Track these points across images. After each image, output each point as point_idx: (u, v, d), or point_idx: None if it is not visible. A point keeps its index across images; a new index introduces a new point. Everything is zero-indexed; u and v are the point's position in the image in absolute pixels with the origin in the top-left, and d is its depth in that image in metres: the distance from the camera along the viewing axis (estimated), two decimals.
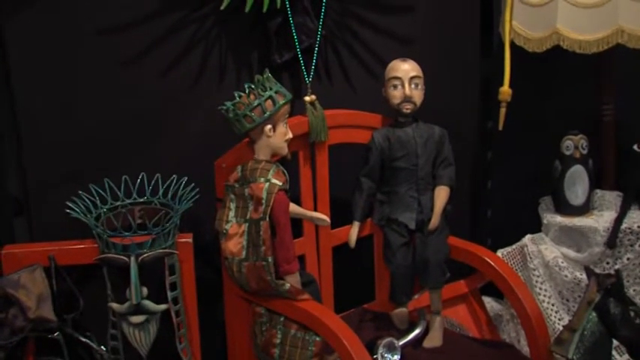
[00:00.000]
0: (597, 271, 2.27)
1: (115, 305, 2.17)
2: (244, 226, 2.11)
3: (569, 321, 2.15)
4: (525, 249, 2.61)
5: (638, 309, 2.12)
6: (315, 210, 2.36)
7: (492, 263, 2.34)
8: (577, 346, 2.09)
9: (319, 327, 2.07)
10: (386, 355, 2.22)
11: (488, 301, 2.78)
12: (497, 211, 2.98)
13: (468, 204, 2.87)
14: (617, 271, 2.13)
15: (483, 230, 2.96)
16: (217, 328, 2.36)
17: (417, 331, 2.36)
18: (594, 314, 2.10)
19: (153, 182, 2.28)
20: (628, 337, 2.10)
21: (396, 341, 2.27)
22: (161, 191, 2.27)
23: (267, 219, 2.06)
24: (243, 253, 2.10)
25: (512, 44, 2.54)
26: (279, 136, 2.13)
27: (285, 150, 2.16)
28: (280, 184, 2.09)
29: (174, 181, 2.27)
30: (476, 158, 2.90)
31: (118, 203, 2.24)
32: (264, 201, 2.06)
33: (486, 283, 2.60)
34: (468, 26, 2.81)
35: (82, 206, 2.18)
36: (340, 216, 2.40)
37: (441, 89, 2.51)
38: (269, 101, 2.08)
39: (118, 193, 2.25)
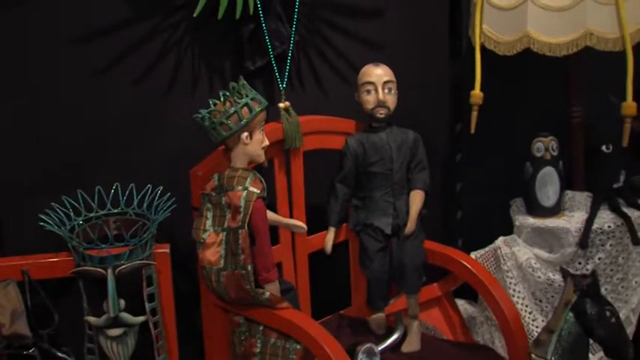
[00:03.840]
0: (572, 272, 2.31)
1: (91, 319, 2.15)
2: (222, 235, 2.10)
3: (547, 322, 2.18)
4: (498, 251, 2.64)
5: (613, 309, 2.15)
6: (291, 217, 2.37)
7: (469, 266, 2.38)
8: (555, 347, 2.11)
9: (300, 335, 2.07)
10: None
11: (462, 304, 2.81)
12: (468, 213, 3.01)
13: (439, 206, 2.89)
14: (593, 272, 2.16)
15: (453, 232, 2.99)
16: (195, 338, 2.35)
17: (395, 336, 2.38)
18: (571, 315, 2.12)
19: (127, 192, 2.25)
20: (604, 336, 2.12)
21: (375, 347, 2.28)
22: (136, 201, 2.24)
23: (246, 227, 2.06)
24: (222, 262, 2.09)
25: (483, 48, 2.55)
26: (255, 144, 2.12)
27: (262, 157, 2.15)
28: (258, 191, 2.09)
29: (149, 191, 2.25)
30: (446, 161, 2.93)
31: (92, 215, 2.21)
32: (242, 209, 2.06)
33: (459, 285, 2.65)
34: (437, 30, 2.85)
35: (56, 218, 2.15)
36: (316, 222, 2.40)
37: (412, 93, 2.53)
38: (245, 108, 2.07)
39: (92, 204, 2.22)
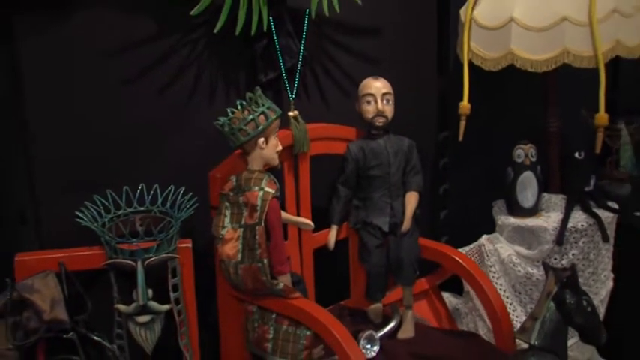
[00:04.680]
0: (553, 265, 2.43)
1: (122, 306, 2.25)
2: (239, 231, 2.20)
3: (532, 311, 2.27)
4: (483, 247, 2.74)
5: (589, 298, 2.25)
6: (298, 215, 2.46)
7: (460, 261, 2.50)
8: (538, 332, 2.20)
9: (311, 321, 2.17)
10: (367, 345, 2.34)
11: (447, 296, 2.90)
12: (454, 213, 3.09)
13: (426, 207, 2.93)
14: (572, 266, 2.27)
15: (438, 230, 3.08)
16: (212, 325, 2.43)
17: (392, 324, 2.48)
18: (552, 304, 2.21)
19: (152, 192, 2.35)
20: (581, 323, 2.21)
21: (375, 333, 2.39)
22: (160, 201, 2.34)
23: (262, 224, 2.15)
24: (239, 256, 2.19)
25: (470, 63, 2.64)
26: (271, 148, 2.22)
27: (276, 161, 2.25)
28: (273, 192, 2.19)
29: (172, 191, 2.35)
30: (434, 165, 3.02)
31: (121, 212, 2.31)
32: (258, 208, 2.16)
33: (445, 280, 2.76)
34: (426, 48, 2.94)
35: (89, 215, 2.25)
36: (319, 221, 2.48)
37: (403, 103, 2.59)
38: (262, 116, 2.18)
39: (120, 203, 2.32)
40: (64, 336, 2.13)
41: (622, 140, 2.95)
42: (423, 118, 2.91)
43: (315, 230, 2.48)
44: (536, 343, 2.20)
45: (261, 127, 2.17)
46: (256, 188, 2.17)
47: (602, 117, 2.50)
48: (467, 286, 2.78)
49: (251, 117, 2.16)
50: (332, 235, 2.53)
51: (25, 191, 2.28)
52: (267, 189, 2.18)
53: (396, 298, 2.56)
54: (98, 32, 2.28)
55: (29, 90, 2.24)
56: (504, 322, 2.39)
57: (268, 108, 2.19)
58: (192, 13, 2.24)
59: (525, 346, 2.23)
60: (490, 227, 2.82)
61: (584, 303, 2.23)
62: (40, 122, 2.26)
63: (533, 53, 2.52)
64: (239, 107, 2.19)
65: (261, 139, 2.18)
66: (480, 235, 2.78)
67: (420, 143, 2.59)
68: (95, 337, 2.19)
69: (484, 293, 2.41)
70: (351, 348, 2.06)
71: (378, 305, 2.51)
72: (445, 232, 3.06)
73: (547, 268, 2.29)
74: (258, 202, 2.16)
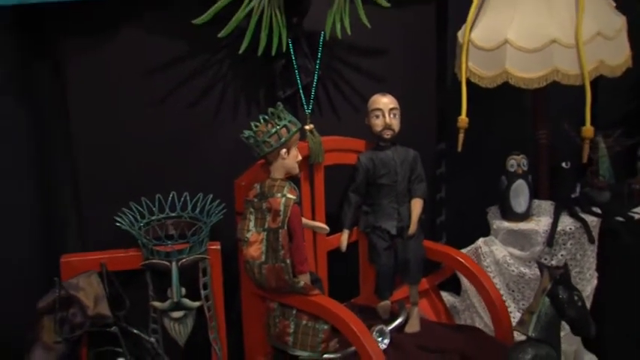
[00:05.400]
0: (547, 264, 2.54)
1: (157, 303, 2.34)
2: (263, 235, 2.29)
3: (529, 305, 2.36)
4: (479, 249, 2.83)
5: (580, 294, 2.34)
6: (313, 220, 2.55)
7: (462, 260, 2.60)
8: (535, 325, 2.28)
9: (330, 316, 2.26)
10: (379, 338, 2.43)
11: (445, 295, 2.97)
12: (451, 218, 3.16)
13: (427, 212, 2.96)
14: (565, 264, 2.37)
15: (436, 234, 3.16)
16: (236, 321, 2.52)
17: (400, 320, 2.56)
18: (547, 299, 2.29)
19: (182, 200, 2.45)
20: (573, 316, 2.29)
21: (385, 327, 2.48)
22: (189, 207, 2.44)
23: (285, 227, 2.25)
24: (263, 257, 2.28)
25: (467, 81, 2.73)
26: (292, 158, 2.32)
27: (296, 169, 2.35)
28: (294, 198, 2.29)
29: (200, 198, 2.45)
30: (432, 174, 3.09)
31: (154, 218, 2.41)
32: (281, 213, 2.25)
33: (443, 280, 2.85)
34: (426, 67, 3.02)
35: (127, 221, 2.34)
36: (332, 225, 2.57)
37: (406, 117, 2.67)
38: (284, 129, 2.28)
39: (154, 209, 2.42)
40: (107, 330, 2.22)
41: (600, 152, 3.04)
42: (422, 130, 2.99)
43: (328, 234, 2.57)
44: (533, 335, 2.27)
45: (283, 139, 2.27)
46: (279, 195, 2.27)
47: (588, 130, 2.62)
48: (464, 286, 2.87)
49: (274, 130, 2.26)
50: (344, 239, 2.62)
51: (71, 199, 2.38)
52: (289, 195, 2.28)
53: (402, 296, 2.65)
54: (135, 53, 2.38)
55: (74, 106, 2.35)
56: (503, 316, 2.49)
57: (289, 122, 2.30)
58: (220, 35, 2.35)
59: (523, 337, 2.31)
60: (484, 231, 2.89)
61: (576, 298, 2.31)
62: (83, 136, 2.36)
63: (526, 72, 2.60)
64: (262, 121, 2.29)
65: (284, 150, 2.29)
66: (476, 239, 2.86)
67: (420, 153, 2.67)
68: (135, 331, 2.28)
69: (484, 290, 2.51)
70: (367, 340, 2.16)
71: (387, 302, 2.60)
72: (443, 236, 3.14)
73: (542, 266, 2.37)
74: (281, 208, 2.25)
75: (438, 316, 2.81)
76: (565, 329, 2.41)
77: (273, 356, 2.43)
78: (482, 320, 2.81)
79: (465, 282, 2.86)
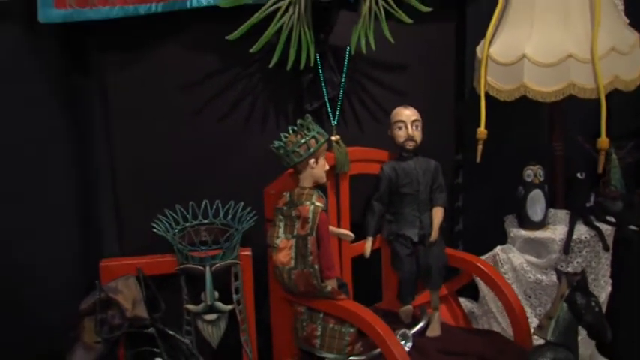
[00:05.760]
0: (565, 271, 2.57)
1: (191, 306, 2.39)
2: (292, 241, 2.33)
3: (547, 311, 2.40)
4: (497, 257, 2.86)
5: (597, 300, 2.36)
6: (339, 227, 2.59)
7: (482, 267, 2.63)
8: (553, 329, 2.31)
9: (356, 319, 2.30)
10: (402, 342, 2.45)
11: (463, 301, 2.99)
12: (470, 226, 3.19)
13: (446, 220, 2.98)
14: (582, 271, 2.39)
15: (454, 242, 3.19)
16: (264, 324, 2.56)
17: (422, 324, 2.60)
18: (565, 305, 2.32)
19: (214, 207, 2.50)
20: (590, 321, 2.33)
21: (408, 331, 2.52)
22: (221, 214, 2.49)
23: (314, 234, 2.29)
24: (292, 262, 2.32)
25: (486, 95, 2.76)
26: (320, 168, 2.37)
27: (324, 179, 2.40)
28: (322, 206, 2.33)
29: (232, 206, 2.50)
30: (451, 184, 3.11)
31: (188, 225, 2.46)
32: (310, 220, 2.30)
33: (461, 286, 2.88)
34: (445, 81, 3.06)
35: (162, 227, 2.39)
36: (356, 232, 2.60)
37: (425, 129, 2.70)
38: (312, 140, 2.32)
39: (187, 216, 2.47)
40: (145, 331, 2.27)
41: (612, 164, 3.08)
42: (441, 142, 3.01)
43: (352, 241, 2.60)
44: (551, 339, 2.31)
45: (312, 149, 2.32)
46: (307, 203, 2.32)
47: (604, 141, 2.65)
48: (482, 292, 2.91)
49: (303, 141, 2.31)
50: (368, 246, 2.65)
51: (110, 206, 2.45)
52: (317, 203, 2.32)
53: (423, 301, 2.69)
54: (172, 67, 2.45)
55: (115, 117, 2.41)
56: (522, 320, 2.52)
57: (318, 133, 2.35)
58: (251, 50, 2.40)
59: (542, 341, 2.34)
60: (500, 239, 2.93)
61: (593, 303, 2.34)
62: (122, 147, 2.43)
63: (543, 86, 2.64)
64: (291, 132, 2.34)
65: (312, 160, 2.33)
66: (492, 246, 2.89)
67: (439, 163, 2.72)
68: (171, 332, 2.32)
69: (504, 295, 2.54)
70: (392, 342, 2.20)
71: (409, 307, 2.63)
72: (459, 244, 3.17)
73: (560, 273, 2.41)
74: (310, 215, 2.30)
75: (457, 321, 2.84)
76: (580, 333, 2.44)
77: (300, 358, 2.47)
78: (500, 325, 2.84)
79: (482, 288, 2.91)
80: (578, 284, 2.34)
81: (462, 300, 2.97)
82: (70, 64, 2.36)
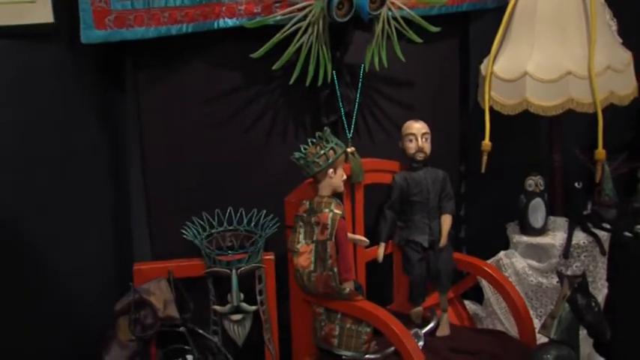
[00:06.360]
0: (567, 274, 2.63)
1: (218, 307, 2.45)
2: (312, 246, 2.39)
3: (551, 311, 2.45)
4: (501, 261, 2.92)
5: (597, 300, 2.43)
6: (354, 233, 2.64)
7: (489, 271, 2.70)
8: (556, 328, 2.37)
9: (373, 319, 2.36)
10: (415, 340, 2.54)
11: (467, 304, 3.05)
12: (473, 232, 3.27)
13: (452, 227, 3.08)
14: (584, 274, 2.46)
15: (456, 247, 3.21)
16: (285, 324, 2.61)
17: (432, 324, 2.66)
18: (567, 305, 2.38)
19: (238, 214, 2.56)
20: (590, 320, 2.39)
21: (420, 331, 2.59)
22: (245, 221, 2.56)
23: (333, 239, 2.35)
24: (312, 266, 2.38)
25: (490, 109, 2.84)
26: (338, 177, 2.43)
27: (342, 187, 2.46)
28: (340, 213, 2.40)
29: (255, 213, 2.57)
30: (456, 192, 3.13)
31: (214, 231, 2.53)
32: (329, 226, 2.36)
33: (466, 290, 2.95)
34: (450, 96, 3.15)
35: (190, 233, 2.46)
36: (369, 238, 2.65)
37: (432, 141, 2.76)
38: (331, 151, 2.38)
39: (213, 223, 2.54)
40: (176, 330, 2.33)
41: (605, 174, 3.14)
42: (446, 153, 3.07)
43: (366, 246, 2.66)
44: (555, 337, 2.37)
45: (330, 159, 2.38)
46: (327, 210, 2.38)
47: (600, 152, 2.75)
48: (487, 295, 2.96)
49: (322, 152, 2.38)
50: (380, 251, 2.72)
51: (143, 214, 2.52)
52: (335, 211, 2.39)
53: (431, 303, 2.75)
54: (199, 83, 2.51)
55: (147, 130, 2.48)
56: (527, 319, 2.59)
57: (336, 144, 2.41)
58: (274, 67, 2.47)
59: (546, 340, 2.42)
60: (502, 244, 3.00)
61: (593, 304, 2.41)
62: (154, 157, 2.49)
63: (545, 101, 2.73)
64: (311, 144, 2.41)
65: (331, 170, 2.40)
66: (496, 251, 2.96)
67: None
68: (200, 331, 2.38)
69: (509, 296, 2.62)
70: (407, 340, 2.27)
71: (419, 309, 2.70)
72: (462, 249, 3.24)
73: (562, 276, 2.47)
74: (329, 222, 2.36)
75: (462, 322, 2.89)
76: (580, 333, 2.52)
77: (318, 356, 2.53)
78: (504, 326, 2.91)
79: (487, 291, 2.97)
80: (579, 286, 2.41)
81: (466, 303, 3.03)
82: (107, 81, 2.44)
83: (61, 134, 2.37)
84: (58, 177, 2.39)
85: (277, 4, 2.49)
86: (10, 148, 2.32)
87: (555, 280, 2.84)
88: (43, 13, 2.24)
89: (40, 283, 2.39)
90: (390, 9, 2.65)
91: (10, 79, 2.28)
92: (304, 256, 2.40)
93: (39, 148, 2.36)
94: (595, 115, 2.71)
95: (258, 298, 2.49)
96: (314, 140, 2.42)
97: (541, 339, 2.51)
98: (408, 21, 2.73)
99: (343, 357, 2.43)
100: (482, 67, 2.94)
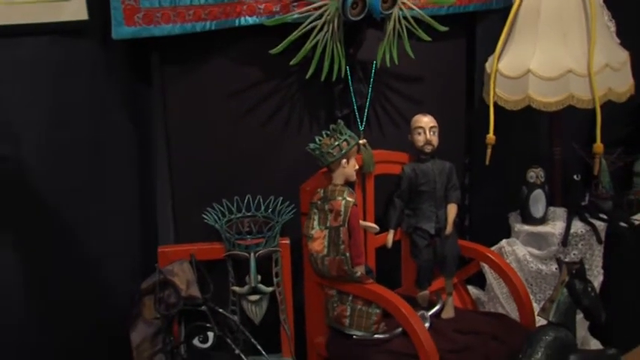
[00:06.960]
0: (565, 260, 2.69)
1: (237, 288, 2.52)
2: (325, 232, 2.45)
3: (550, 295, 2.53)
4: (503, 249, 2.98)
5: (593, 286, 2.50)
6: (365, 220, 2.69)
7: (492, 257, 2.75)
8: (555, 312, 2.44)
9: (382, 301, 2.42)
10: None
11: (470, 289, 3.10)
12: (477, 221, 3.31)
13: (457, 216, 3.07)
14: (581, 260, 2.53)
15: (462, 236, 3.28)
16: (299, 305, 2.67)
17: (437, 307, 2.70)
18: (565, 290, 2.45)
19: (256, 201, 2.62)
20: (587, 304, 2.47)
21: (426, 313, 2.64)
22: (263, 207, 2.61)
23: (346, 226, 2.42)
24: (325, 250, 2.44)
25: (494, 104, 2.88)
26: (351, 167, 2.49)
27: (354, 177, 2.52)
28: (353, 200, 2.45)
29: (272, 200, 2.63)
30: (461, 183, 3.12)
31: (233, 216, 2.59)
32: (342, 213, 2.42)
33: (470, 276, 2.99)
34: (457, 92, 3.19)
35: (212, 218, 2.52)
36: (379, 225, 2.71)
37: (440, 134, 2.80)
38: (345, 142, 2.45)
39: (232, 209, 2.60)
40: (198, 309, 2.39)
41: (602, 167, 3.20)
42: (452, 146, 3.11)
43: (376, 233, 2.71)
44: (553, 320, 2.44)
45: (344, 150, 2.45)
46: (340, 198, 2.45)
47: (599, 146, 2.79)
48: (489, 280, 3.02)
49: (336, 143, 2.44)
50: (390, 237, 2.78)
51: (167, 200, 2.57)
52: (348, 198, 2.45)
53: (437, 287, 2.80)
54: (222, 78, 2.56)
55: (172, 121, 2.54)
56: (527, 303, 2.64)
57: (349, 136, 2.48)
58: (291, 63, 2.53)
59: (544, 322, 2.48)
60: (504, 232, 3.05)
61: (589, 289, 2.49)
62: (178, 147, 2.55)
63: (546, 97, 2.77)
64: (325, 136, 2.48)
65: (344, 160, 2.46)
66: (498, 239, 3.02)
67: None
68: (220, 310, 2.44)
69: (511, 281, 2.66)
70: (414, 320, 2.34)
71: (426, 292, 2.75)
72: (466, 238, 3.25)
73: (560, 262, 2.54)
74: (342, 209, 2.43)
75: (466, 306, 2.94)
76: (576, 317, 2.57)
77: (330, 336, 2.58)
78: (505, 310, 2.96)
79: (489, 277, 3.02)
80: (577, 272, 2.47)
81: (469, 288, 3.08)
82: (135, 76, 2.49)
83: (92, 126, 2.44)
84: (90, 166, 2.46)
85: (295, 4, 2.54)
86: (46, 139, 2.39)
87: (554, 266, 2.90)
88: (78, 11, 2.31)
89: (73, 265, 2.47)
90: (401, 9, 2.69)
91: (48, 73, 2.34)
92: (318, 242, 2.46)
93: (72, 138, 2.43)
94: (594, 111, 2.75)
95: (275, 280, 2.55)
96: (328, 132, 2.48)
97: (540, 321, 2.56)
98: (418, 20, 2.77)
99: (354, 336, 2.49)
100: (488, 64, 2.98)
